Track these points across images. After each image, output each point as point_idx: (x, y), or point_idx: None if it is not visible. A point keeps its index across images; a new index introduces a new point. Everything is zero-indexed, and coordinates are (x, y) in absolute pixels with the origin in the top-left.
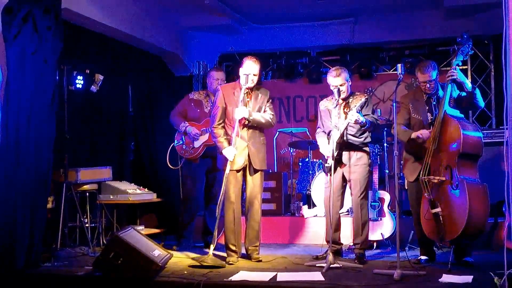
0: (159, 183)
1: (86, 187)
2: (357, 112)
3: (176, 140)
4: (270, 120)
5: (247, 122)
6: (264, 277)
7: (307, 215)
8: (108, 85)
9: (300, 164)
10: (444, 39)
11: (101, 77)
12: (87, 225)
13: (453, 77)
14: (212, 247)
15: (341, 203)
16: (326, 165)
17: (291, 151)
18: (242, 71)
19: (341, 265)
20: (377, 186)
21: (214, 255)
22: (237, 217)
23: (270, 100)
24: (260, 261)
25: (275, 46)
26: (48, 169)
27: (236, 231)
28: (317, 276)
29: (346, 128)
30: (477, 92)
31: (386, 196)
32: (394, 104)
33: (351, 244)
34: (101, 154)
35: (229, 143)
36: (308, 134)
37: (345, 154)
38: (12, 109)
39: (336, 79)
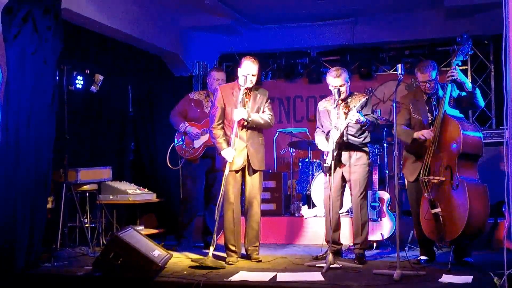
0: (159, 183)
1: (86, 187)
2: (357, 112)
3: (176, 140)
4: (269, 121)
5: (246, 123)
6: (264, 277)
7: (306, 215)
8: (108, 85)
9: (300, 164)
10: (444, 39)
11: (101, 77)
12: (87, 225)
13: (453, 77)
14: (211, 248)
15: (341, 203)
16: (325, 165)
17: (291, 151)
18: (240, 71)
19: (341, 265)
20: (376, 186)
21: (214, 256)
22: (237, 217)
23: (269, 101)
24: (260, 261)
25: (275, 46)
26: (48, 169)
27: (236, 232)
28: (317, 276)
29: (346, 128)
30: (477, 91)
31: (385, 196)
32: (394, 104)
33: (351, 244)
34: (101, 154)
35: (228, 144)
36: (308, 134)
37: (344, 154)
38: (12, 109)
39: (336, 79)
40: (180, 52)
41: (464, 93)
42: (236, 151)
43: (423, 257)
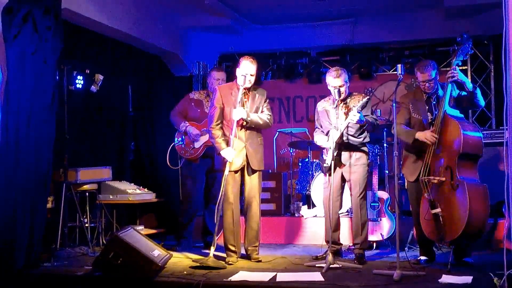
0: (159, 183)
1: (86, 187)
2: (358, 112)
3: (176, 139)
4: (268, 121)
5: (244, 123)
6: (263, 277)
7: (306, 215)
8: (108, 85)
9: (299, 164)
10: (444, 39)
11: (101, 77)
12: (86, 225)
13: (454, 78)
14: (212, 248)
15: (340, 203)
16: (325, 165)
17: (291, 151)
18: (239, 71)
19: (340, 265)
20: (376, 187)
21: (215, 256)
22: (236, 217)
23: (268, 101)
24: (260, 261)
25: (275, 46)
26: (48, 169)
27: (235, 232)
28: (317, 276)
29: (346, 128)
30: (478, 91)
31: (385, 196)
32: (394, 104)
33: (351, 244)
34: (101, 154)
35: (228, 144)
36: (308, 134)
37: (344, 154)
38: (12, 109)
39: (337, 80)
40: (180, 52)
41: (464, 93)
42: (235, 151)
43: (423, 257)
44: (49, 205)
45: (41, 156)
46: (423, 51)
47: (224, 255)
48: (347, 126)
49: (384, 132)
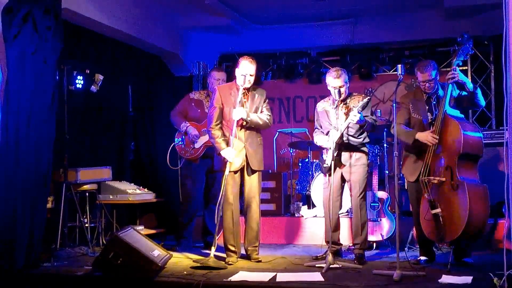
0: (159, 183)
1: (85, 187)
2: (358, 112)
3: (176, 139)
4: (267, 121)
5: (244, 123)
6: (263, 278)
7: (306, 215)
8: (108, 85)
9: (300, 164)
10: (444, 40)
11: (101, 77)
12: (86, 225)
13: (454, 79)
14: (213, 249)
15: (340, 203)
16: (324, 165)
17: (291, 151)
18: (238, 71)
19: (340, 266)
20: (376, 187)
21: (215, 256)
22: (236, 217)
23: (267, 101)
24: (260, 261)
25: (275, 47)
26: (48, 169)
27: (235, 232)
28: (317, 276)
29: (346, 129)
30: (478, 91)
31: (385, 196)
32: (394, 104)
33: (351, 244)
34: (101, 154)
35: (227, 144)
36: (308, 134)
37: (344, 155)
38: (12, 109)
39: (337, 80)
40: (180, 52)
41: (464, 93)
42: (235, 152)
43: (422, 258)
44: (49, 205)
45: (41, 156)
46: (423, 51)
47: (224, 255)
48: (347, 127)
49: (384, 132)
